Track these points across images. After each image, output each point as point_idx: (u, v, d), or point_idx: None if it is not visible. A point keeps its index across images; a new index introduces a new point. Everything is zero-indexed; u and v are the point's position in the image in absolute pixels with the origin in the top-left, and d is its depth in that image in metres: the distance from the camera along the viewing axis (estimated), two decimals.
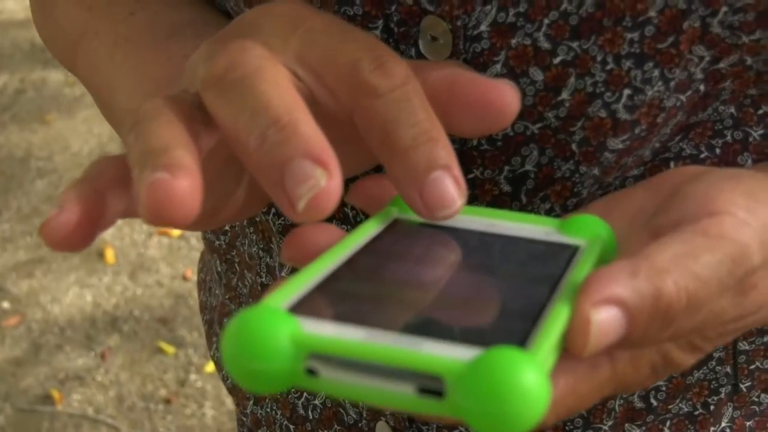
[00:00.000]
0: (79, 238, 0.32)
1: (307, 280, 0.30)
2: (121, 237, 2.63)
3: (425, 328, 0.28)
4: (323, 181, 0.29)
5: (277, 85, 0.32)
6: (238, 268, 0.58)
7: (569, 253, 0.34)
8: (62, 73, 3.47)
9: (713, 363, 0.49)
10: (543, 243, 0.35)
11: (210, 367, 2.17)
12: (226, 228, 0.58)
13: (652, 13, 0.38)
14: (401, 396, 0.26)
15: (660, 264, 0.30)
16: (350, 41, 0.35)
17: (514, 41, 0.40)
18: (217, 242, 0.60)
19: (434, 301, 0.30)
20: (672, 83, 0.40)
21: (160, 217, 0.29)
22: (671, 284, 0.30)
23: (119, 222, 2.69)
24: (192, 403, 2.11)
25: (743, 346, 0.49)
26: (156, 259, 2.54)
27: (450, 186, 0.32)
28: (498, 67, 0.40)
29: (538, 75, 0.40)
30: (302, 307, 0.28)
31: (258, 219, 0.53)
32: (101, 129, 3.09)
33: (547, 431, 0.49)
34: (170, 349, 2.23)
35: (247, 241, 0.56)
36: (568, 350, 0.29)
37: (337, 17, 0.38)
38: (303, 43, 0.34)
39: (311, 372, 0.27)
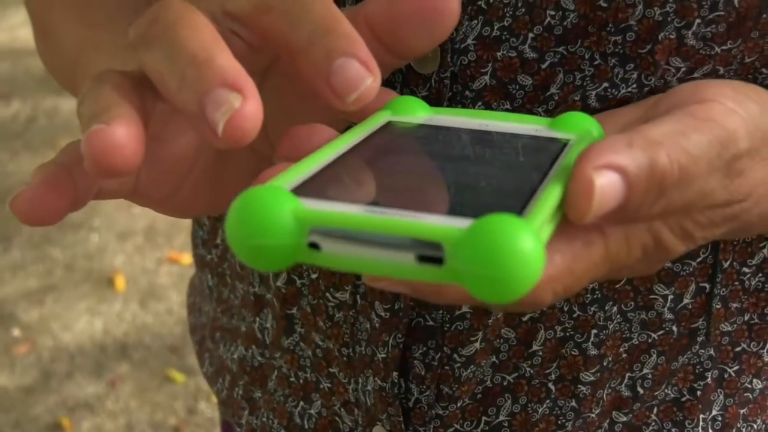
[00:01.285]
0: (44, 211, 0.33)
1: (308, 168, 0.31)
2: (131, 264, 2.64)
3: (424, 203, 0.28)
4: (237, 103, 0.30)
5: (194, 28, 0.32)
6: (229, 280, 0.59)
7: (560, 145, 0.35)
8: (74, 101, 3.49)
9: (696, 347, 0.49)
10: (535, 138, 0.36)
11: None
12: (218, 241, 0.59)
13: (632, 22, 0.40)
14: (402, 265, 0.27)
15: (654, 137, 0.32)
16: None
17: (499, 54, 0.41)
18: (209, 256, 0.61)
19: (432, 183, 0.31)
20: (645, 89, 0.42)
21: (101, 166, 0.30)
22: (665, 156, 0.31)
23: (130, 250, 2.71)
24: (201, 431, 2.10)
25: (725, 326, 0.49)
26: (166, 287, 2.54)
27: (355, 68, 0.33)
28: (486, 78, 0.42)
29: (526, 80, 0.42)
30: (304, 189, 0.29)
31: None
32: None
33: (539, 422, 0.50)
34: (180, 377, 2.23)
35: None
36: (568, 219, 0.31)
37: None
38: None
39: (314, 246, 0.27)
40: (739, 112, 0.35)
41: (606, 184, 0.30)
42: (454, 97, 0.43)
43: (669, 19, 0.39)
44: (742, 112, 0.35)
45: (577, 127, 0.36)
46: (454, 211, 0.28)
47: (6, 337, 2.38)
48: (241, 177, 0.40)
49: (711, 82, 0.37)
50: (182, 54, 0.31)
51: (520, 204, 0.29)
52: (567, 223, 0.31)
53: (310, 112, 0.40)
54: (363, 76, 0.32)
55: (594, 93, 0.42)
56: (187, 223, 2.80)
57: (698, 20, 0.40)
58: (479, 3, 0.40)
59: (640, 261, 0.35)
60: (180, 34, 0.32)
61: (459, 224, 0.26)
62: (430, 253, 0.26)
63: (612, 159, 0.30)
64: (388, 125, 0.37)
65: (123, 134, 0.30)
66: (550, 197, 0.29)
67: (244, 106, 0.30)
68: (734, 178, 0.35)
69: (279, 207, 0.27)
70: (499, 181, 0.31)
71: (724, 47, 0.41)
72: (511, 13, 0.40)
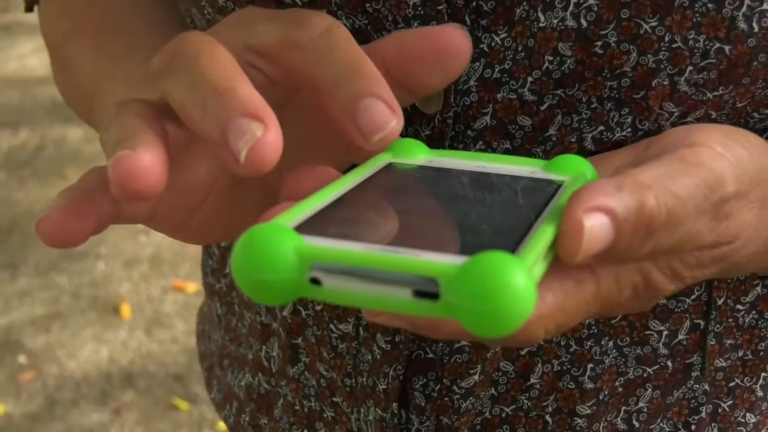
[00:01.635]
0: (68, 234, 0.34)
1: (310, 207, 0.32)
2: (137, 293, 2.65)
3: (421, 241, 0.30)
4: (259, 132, 0.31)
5: (215, 59, 0.34)
6: (237, 309, 0.60)
7: (555, 186, 0.36)
8: (82, 129, 3.52)
9: (691, 381, 0.50)
10: (530, 179, 0.37)
11: (224, 424, 2.17)
12: (226, 270, 0.60)
13: (626, 68, 0.41)
14: (399, 300, 0.28)
15: (643, 181, 0.33)
16: (281, 15, 0.38)
17: (500, 95, 0.42)
18: (218, 285, 0.62)
19: (429, 223, 0.33)
20: (640, 133, 0.43)
21: (127, 190, 0.31)
22: (653, 199, 0.32)
23: (135, 278, 2.72)
24: None
25: (720, 362, 0.50)
26: (171, 315, 2.55)
27: (381, 110, 0.34)
28: (487, 118, 0.43)
29: (525, 121, 0.43)
30: (306, 227, 0.30)
31: None
32: None
33: None
34: (184, 405, 2.23)
35: None
36: (560, 259, 0.32)
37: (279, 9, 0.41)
38: (246, 33, 0.37)
39: (315, 282, 0.28)
40: (727, 156, 0.36)
41: (595, 226, 0.31)
42: (456, 137, 0.44)
43: (662, 66, 0.41)
44: (730, 157, 0.36)
45: (571, 169, 0.37)
46: (449, 248, 0.29)
47: (12, 364, 2.38)
48: (253, 206, 0.42)
49: (701, 127, 0.38)
50: (205, 83, 0.33)
51: (513, 242, 0.30)
52: (559, 262, 0.32)
53: (323, 144, 0.41)
54: (388, 117, 0.34)
55: (590, 135, 0.43)
56: (192, 251, 2.81)
57: (690, 67, 0.41)
58: (481, 46, 0.41)
59: (631, 299, 0.36)
60: (202, 65, 0.34)
61: (454, 261, 0.27)
62: (427, 288, 0.27)
63: (601, 201, 0.31)
64: (389, 166, 0.38)
65: (148, 160, 0.31)
66: (542, 237, 0.30)
67: (266, 135, 0.31)
68: (722, 220, 0.36)
69: (282, 243, 0.28)
70: (494, 221, 0.32)
71: (716, 93, 0.42)
72: (511, 56, 0.41)
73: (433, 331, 0.33)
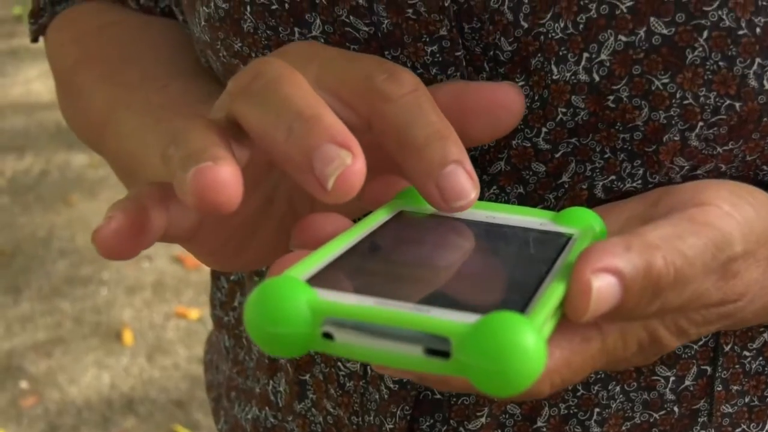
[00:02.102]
0: (125, 247, 0.35)
1: (322, 257, 0.32)
2: (139, 319, 2.65)
3: (432, 298, 0.30)
4: (348, 160, 0.32)
5: (298, 86, 0.34)
6: (245, 342, 0.60)
7: (563, 240, 0.36)
8: (86, 154, 3.53)
9: (698, 427, 0.50)
10: (539, 231, 0.37)
11: None
12: (235, 304, 0.60)
13: (638, 122, 0.42)
14: (410, 357, 0.28)
15: (651, 240, 0.33)
16: (360, 60, 0.38)
17: (514, 142, 0.43)
18: (226, 318, 0.62)
19: (440, 277, 0.33)
20: (650, 185, 0.43)
21: (207, 202, 0.31)
22: (661, 259, 0.33)
23: (138, 304, 2.72)
24: None
25: (726, 408, 0.50)
26: (173, 342, 2.55)
27: (463, 178, 0.35)
28: (501, 164, 0.44)
29: (539, 167, 0.44)
30: (318, 280, 0.30)
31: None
32: None
33: None
34: None
35: (245, 299, 0.58)
36: (567, 316, 0.32)
37: (347, 50, 0.41)
38: (319, 70, 0.38)
39: (327, 336, 0.29)
40: (735, 215, 0.36)
41: (603, 287, 0.31)
42: None
43: (673, 122, 0.41)
44: (738, 216, 0.36)
45: (580, 221, 0.38)
46: (461, 305, 0.29)
47: (14, 389, 2.38)
48: (280, 235, 0.42)
49: (709, 185, 0.38)
50: (290, 108, 0.33)
51: (523, 301, 0.30)
52: (567, 318, 0.32)
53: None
54: (469, 187, 0.35)
55: (601, 184, 0.44)
56: (195, 278, 2.82)
57: (701, 123, 0.41)
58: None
59: (636, 354, 0.37)
60: (286, 90, 0.34)
61: (466, 319, 0.28)
62: (438, 346, 0.28)
63: (610, 262, 0.32)
64: (400, 215, 0.38)
65: (228, 173, 0.32)
66: (552, 296, 0.30)
67: (354, 163, 0.32)
68: (729, 279, 0.36)
69: (295, 297, 0.28)
70: (504, 276, 0.33)
71: (725, 147, 0.42)
72: (527, 105, 0.42)
73: (442, 385, 0.34)
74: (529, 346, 0.27)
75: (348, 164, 0.32)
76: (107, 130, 0.55)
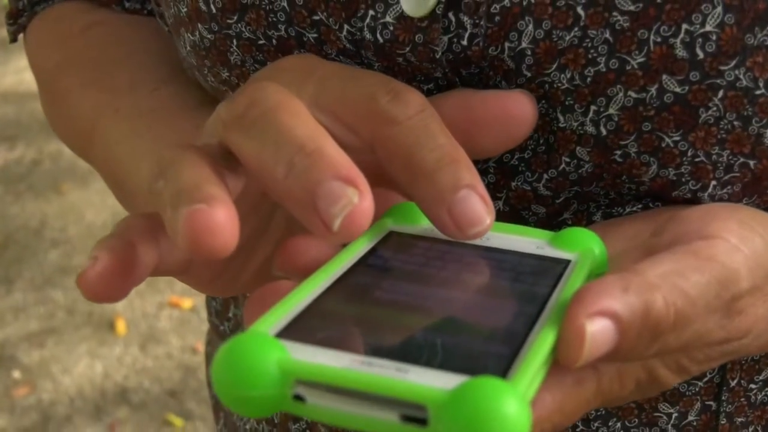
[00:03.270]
0: (113, 289, 0.32)
1: (297, 302, 0.30)
2: (132, 308, 2.65)
3: (410, 354, 0.28)
4: (356, 198, 0.29)
5: (297, 115, 0.32)
6: None
7: (560, 267, 0.34)
8: None
9: None
10: (535, 257, 0.35)
11: None
12: (230, 314, 0.59)
13: (645, 179, 0.40)
14: (386, 423, 0.26)
15: (651, 279, 0.31)
16: (362, 79, 0.36)
17: (514, 184, 0.42)
18: (222, 327, 0.61)
19: (422, 324, 0.30)
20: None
21: (201, 246, 0.29)
22: (660, 300, 0.31)
23: (131, 294, 2.70)
24: None
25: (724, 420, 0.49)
26: (167, 331, 2.55)
27: (477, 203, 0.33)
28: (500, 203, 0.42)
29: (540, 210, 0.42)
30: (290, 332, 0.29)
31: None
32: (115, 201, 3.10)
33: None
34: (178, 421, 2.23)
35: (240, 312, 0.58)
36: (559, 361, 0.30)
37: (346, 64, 0.39)
38: (317, 89, 0.36)
39: (298, 398, 0.27)
40: (742, 249, 0.34)
41: (597, 332, 0.29)
42: None
43: (683, 179, 0.40)
44: (746, 250, 0.34)
45: (578, 244, 0.36)
46: (440, 364, 0.27)
47: (6, 379, 2.38)
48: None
49: (718, 213, 0.36)
50: (290, 141, 0.31)
51: (509, 356, 0.28)
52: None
53: None
54: (483, 213, 0.33)
55: (601, 212, 0.42)
56: None
57: (714, 182, 0.40)
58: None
59: (634, 393, 0.35)
60: (284, 120, 0.32)
61: (444, 384, 0.26)
62: (414, 413, 0.26)
63: (605, 305, 0.29)
64: (389, 237, 0.36)
65: (224, 216, 0.29)
66: (541, 347, 0.29)
67: (362, 202, 0.30)
68: (734, 317, 0.34)
69: (263, 358, 0.27)
70: (492, 320, 0.31)
71: (739, 203, 0.41)
72: (532, 147, 0.41)
73: None
74: (509, 415, 0.25)
75: (355, 203, 0.30)
76: (95, 136, 0.53)
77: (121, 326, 2.56)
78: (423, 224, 0.37)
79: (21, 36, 0.64)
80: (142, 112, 0.51)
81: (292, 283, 0.33)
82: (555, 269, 0.34)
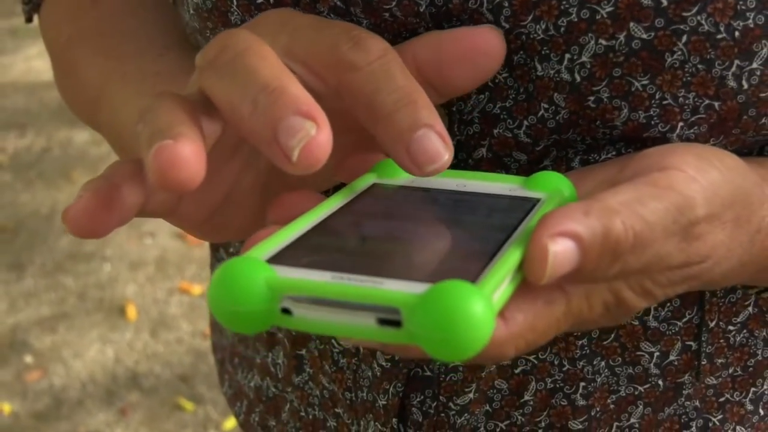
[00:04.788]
0: (96, 224, 0.35)
1: (287, 236, 0.33)
2: (142, 294, 2.67)
3: (387, 269, 0.31)
4: (313, 131, 0.32)
5: (264, 57, 0.34)
6: None
7: (530, 204, 0.37)
8: (88, 132, 3.53)
9: (682, 399, 0.51)
10: (507, 197, 0.38)
11: (229, 423, 2.20)
12: (230, 249, 0.61)
13: (617, 123, 0.42)
14: (364, 328, 0.29)
15: (611, 205, 0.33)
16: (329, 28, 0.38)
17: (496, 131, 0.44)
18: (224, 257, 0.62)
19: (399, 248, 0.33)
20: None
21: (167, 179, 0.31)
22: (619, 223, 0.33)
23: (141, 279, 2.74)
24: None
25: (710, 380, 0.51)
26: (177, 317, 2.57)
27: (435, 141, 0.35)
28: (483, 150, 0.45)
29: (521, 156, 0.44)
30: (279, 258, 0.32)
31: None
32: None
33: None
34: (190, 405, 2.25)
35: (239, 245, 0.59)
36: (527, 280, 0.33)
37: (320, 17, 0.41)
38: (289, 39, 0.38)
39: (286, 311, 0.30)
40: (699, 179, 0.36)
41: (560, 251, 0.32)
42: (458, 165, 0.45)
43: (653, 122, 0.42)
44: (702, 180, 0.37)
45: (549, 185, 0.38)
46: (414, 275, 0.30)
47: (19, 364, 2.40)
48: (265, 201, 0.42)
49: (676, 149, 0.38)
50: (255, 81, 0.33)
51: (477, 269, 0.31)
52: (530, 282, 0.33)
53: (343, 147, 0.41)
54: (441, 150, 0.35)
55: (578, 158, 0.44)
56: (198, 254, 2.83)
57: (681, 123, 0.42)
58: (488, 80, 0.42)
59: (603, 316, 0.37)
60: (251, 62, 0.34)
61: (416, 290, 0.28)
62: (389, 316, 0.29)
63: (568, 227, 0.32)
64: (373, 188, 0.39)
65: (189, 151, 0.32)
66: (507, 262, 0.31)
67: (319, 135, 0.32)
68: (692, 242, 0.37)
69: (253, 276, 0.30)
70: (462, 245, 0.34)
71: (707, 143, 0.43)
72: (513, 96, 0.43)
73: (402, 353, 0.34)
74: (475, 314, 0.27)
75: (312, 135, 0.32)
76: (102, 102, 0.55)
77: (131, 312, 2.58)
78: (405, 177, 0.40)
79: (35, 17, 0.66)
80: (146, 75, 0.53)
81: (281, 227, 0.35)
82: (525, 206, 0.37)
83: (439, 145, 0.35)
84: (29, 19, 0.67)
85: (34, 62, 4.21)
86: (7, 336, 2.51)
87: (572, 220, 0.32)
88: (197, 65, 0.37)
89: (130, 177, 0.36)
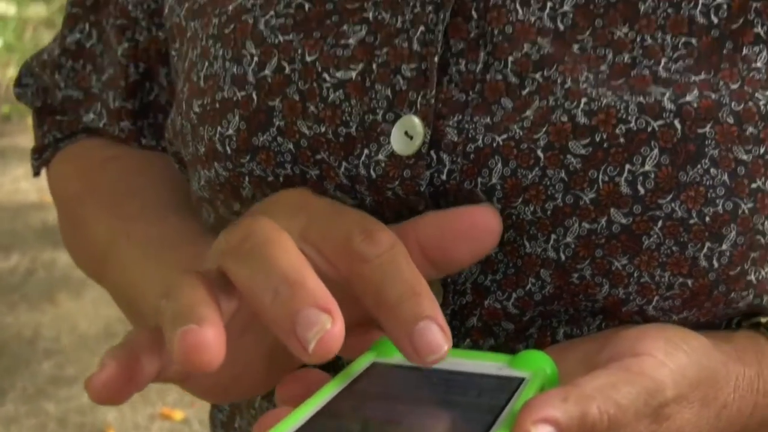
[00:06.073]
0: (115, 394, 0.38)
1: (293, 422, 0.35)
2: (123, 420, 2.64)
3: None
4: (328, 324, 0.34)
5: (285, 250, 0.37)
6: None
7: (515, 383, 0.39)
8: None
9: None
10: (495, 377, 0.40)
11: None
12: (236, 425, 0.62)
13: (599, 297, 0.46)
14: None
15: (587, 391, 0.36)
16: (343, 217, 0.42)
17: (486, 302, 0.47)
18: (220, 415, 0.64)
19: None
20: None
21: (191, 361, 0.34)
22: (595, 408, 0.36)
23: (122, 405, 2.69)
24: None
25: None
26: None
27: (436, 333, 0.37)
28: (474, 320, 0.48)
29: (509, 326, 0.48)
30: None
31: (256, 404, 0.59)
32: (108, 311, 3.14)
33: None
34: None
35: (245, 422, 0.61)
36: None
37: (336, 200, 0.45)
38: (306, 224, 0.41)
39: None
40: (668, 364, 0.40)
41: None
42: (451, 332, 0.46)
43: (631, 298, 0.46)
44: (671, 364, 0.40)
45: (532, 364, 0.41)
46: None
47: None
48: (272, 364, 0.45)
49: (648, 334, 0.42)
50: (276, 272, 0.36)
51: None
52: None
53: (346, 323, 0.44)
54: (441, 342, 0.37)
55: (562, 331, 0.48)
56: None
57: (657, 297, 0.46)
58: None
59: None
60: (273, 253, 0.37)
61: None
62: None
63: (548, 413, 0.35)
64: (372, 368, 0.41)
65: (212, 335, 0.34)
66: None
67: (333, 328, 0.34)
68: (662, 422, 0.40)
69: None
70: (455, 428, 0.36)
71: (681, 315, 0.47)
72: (503, 269, 0.46)
73: None
74: None
75: (328, 329, 0.34)
76: (108, 260, 0.58)
77: None
78: (401, 356, 0.43)
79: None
80: (151, 239, 0.56)
81: (289, 409, 0.38)
82: (510, 386, 0.39)
83: (439, 337, 0.37)
84: (37, 173, 0.70)
85: (21, 183, 4.22)
86: None
87: (552, 406, 0.35)
88: (220, 248, 0.40)
89: (148, 347, 0.39)
